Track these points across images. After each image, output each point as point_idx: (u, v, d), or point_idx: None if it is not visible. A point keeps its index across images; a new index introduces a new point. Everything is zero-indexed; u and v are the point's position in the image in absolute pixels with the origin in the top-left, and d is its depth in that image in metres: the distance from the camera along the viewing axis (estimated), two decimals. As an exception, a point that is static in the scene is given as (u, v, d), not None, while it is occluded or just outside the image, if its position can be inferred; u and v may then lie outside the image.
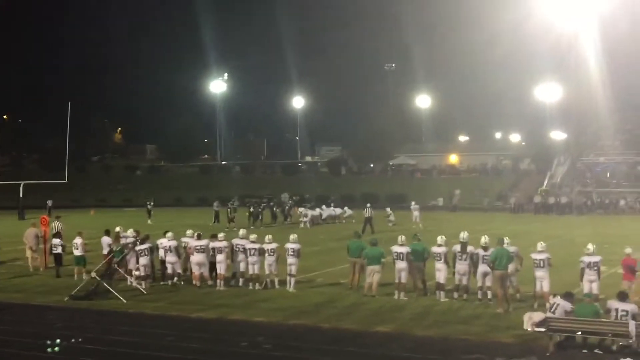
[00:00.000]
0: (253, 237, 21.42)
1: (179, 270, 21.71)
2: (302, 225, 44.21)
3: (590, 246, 18.17)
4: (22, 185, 55.73)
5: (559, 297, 14.74)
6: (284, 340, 14.90)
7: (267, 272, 20.95)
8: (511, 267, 18.27)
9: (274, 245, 20.84)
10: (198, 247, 21.24)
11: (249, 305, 18.71)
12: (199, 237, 21.79)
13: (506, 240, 19.09)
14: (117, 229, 24.24)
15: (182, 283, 21.49)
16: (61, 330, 15.98)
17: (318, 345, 14.54)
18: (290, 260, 20.70)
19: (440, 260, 19.33)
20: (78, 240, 23.22)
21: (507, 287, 18.10)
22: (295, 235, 21.52)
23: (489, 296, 18.57)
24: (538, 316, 14.37)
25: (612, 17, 68.88)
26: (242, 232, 22.02)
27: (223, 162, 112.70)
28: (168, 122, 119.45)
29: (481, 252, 18.73)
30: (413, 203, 47.04)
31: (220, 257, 21.04)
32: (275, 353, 14.04)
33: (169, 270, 21.69)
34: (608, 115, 70.05)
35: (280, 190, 67.97)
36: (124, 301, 18.97)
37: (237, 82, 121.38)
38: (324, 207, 50.26)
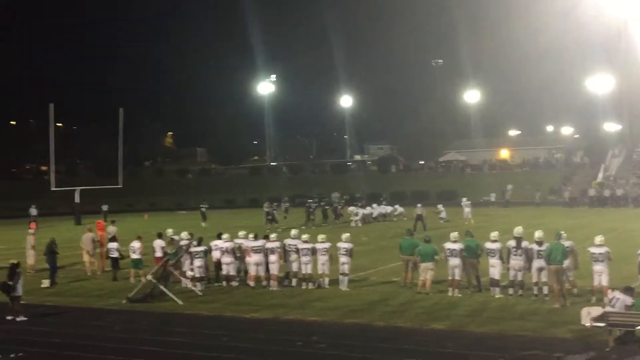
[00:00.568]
0: (305, 237, 21.52)
1: (233, 272, 21.94)
2: (353, 224, 44.26)
3: (649, 238, 17.81)
4: (77, 191, 56.99)
5: (617, 291, 14.48)
6: (338, 339, 14.91)
7: (319, 271, 21.02)
8: (566, 262, 18.00)
9: (326, 245, 20.89)
10: (255, 248, 21.42)
11: (303, 304, 18.77)
12: (256, 238, 21.98)
13: (563, 234, 18.81)
14: (169, 232, 24.65)
15: (237, 284, 21.71)
16: (119, 332, 16.31)
17: (372, 344, 14.50)
18: (343, 259, 20.71)
19: (495, 256, 19.10)
20: (136, 244, 23.65)
21: (564, 281, 17.84)
22: (348, 234, 21.51)
23: (545, 292, 18.30)
24: (597, 311, 14.16)
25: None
26: (294, 232, 22.13)
27: (272, 163, 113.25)
28: (217, 124, 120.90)
29: (535, 247, 18.46)
30: (464, 199, 46.61)
31: (272, 258, 21.15)
32: (329, 352, 14.06)
33: (224, 272, 21.94)
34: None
35: (330, 190, 67.95)
36: (180, 303, 19.21)
37: (284, 82, 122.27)
38: (374, 205, 50.10)
